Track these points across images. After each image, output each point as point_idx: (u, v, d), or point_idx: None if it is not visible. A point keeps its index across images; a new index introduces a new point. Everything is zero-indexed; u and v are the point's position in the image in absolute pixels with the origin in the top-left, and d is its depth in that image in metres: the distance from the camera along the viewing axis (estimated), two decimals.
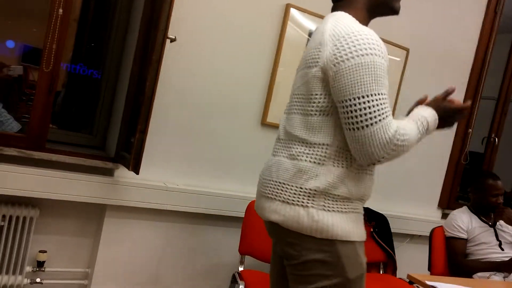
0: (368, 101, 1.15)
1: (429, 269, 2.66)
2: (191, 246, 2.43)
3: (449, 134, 3.36)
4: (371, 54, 1.16)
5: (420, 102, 1.42)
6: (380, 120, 1.15)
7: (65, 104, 2.52)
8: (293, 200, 1.25)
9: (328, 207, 1.22)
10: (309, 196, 1.23)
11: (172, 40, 2.06)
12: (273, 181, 1.31)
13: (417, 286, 2.43)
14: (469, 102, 1.39)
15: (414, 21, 3.00)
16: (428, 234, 2.74)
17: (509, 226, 2.63)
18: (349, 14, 1.29)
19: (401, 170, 3.17)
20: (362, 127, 1.15)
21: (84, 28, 2.44)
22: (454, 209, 2.85)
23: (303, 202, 1.23)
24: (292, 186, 1.26)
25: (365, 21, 1.34)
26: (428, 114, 1.31)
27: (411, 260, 3.20)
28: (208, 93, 2.37)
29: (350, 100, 1.16)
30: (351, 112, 1.16)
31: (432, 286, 1.70)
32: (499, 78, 3.63)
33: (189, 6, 2.24)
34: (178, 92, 2.29)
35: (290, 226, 1.24)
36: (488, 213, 2.70)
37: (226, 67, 2.39)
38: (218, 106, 2.40)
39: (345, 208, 1.24)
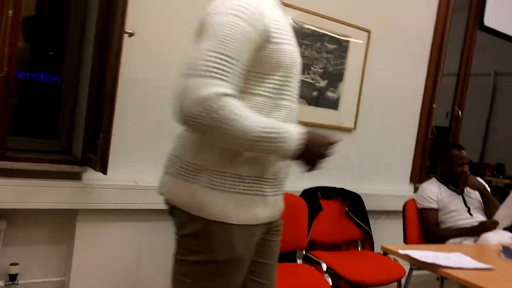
0: (202, 54, 1.05)
1: (405, 241, 2.73)
2: (170, 244, 2.41)
3: (414, 110, 3.45)
4: (231, 15, 1.08)
5: None
6: (204, 76, 1.03)
7: (26, 111, 2.45)
8: (179, 174, 1.20)
9: (212, 184, 1.16)
10: (194, 171, 1.18)
11: (131, 35, 2.03)
12: (170, 154, 1.28)
13: (394, 258, 2.49)
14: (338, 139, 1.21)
15: (375, 3, 3.05)
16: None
17: (476, 192, 2.73)
18: None
19: (372, 150, 3.23)
20: (184, 75, 1.05)
21: (38, 31, 2.37)
22: None
23: (187, 176, 1.18)
24: (181, 159, 1.21)
25: None
26: (292, 131, 1.12)
27: (388, 235, 3.27)
28: (174, 86, 2.34)
29: (194, 50, 1.09)
30: (188, 62, 1.08)
31: (404, 254, 1.74)
32: (458, 54, 3.73)
33: None
34: (143, 88, 2.26)
35: (171, 200, 1.23)
36: (455, 182, 2.78)
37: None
38: None
39: (233, 188, 1.17)
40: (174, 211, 1.26)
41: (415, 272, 3.53)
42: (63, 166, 2.10)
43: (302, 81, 2.75)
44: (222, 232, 1.17)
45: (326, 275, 2.16)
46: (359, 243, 2.77)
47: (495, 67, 5.03)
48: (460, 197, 2.74)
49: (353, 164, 3.14)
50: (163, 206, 2.29)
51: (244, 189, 1.18)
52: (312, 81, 2.80)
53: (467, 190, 2.77)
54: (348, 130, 3.08)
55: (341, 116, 3.01)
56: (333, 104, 2.95)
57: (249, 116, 1.07)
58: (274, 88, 1.19)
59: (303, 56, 2.72)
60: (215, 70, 1.04)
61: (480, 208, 2.73)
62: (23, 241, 2.13)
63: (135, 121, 2.26)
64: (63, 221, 2.20)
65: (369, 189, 3.20)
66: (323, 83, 2.86)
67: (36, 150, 2.26)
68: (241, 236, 1.19)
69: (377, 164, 3.28)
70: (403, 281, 2.54)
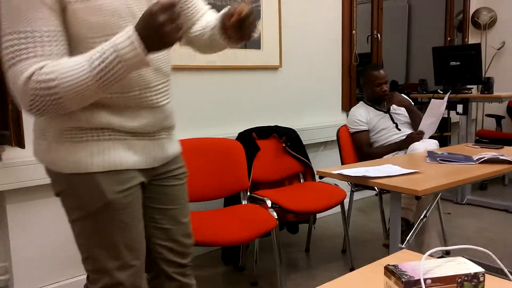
0: (4, 42, 1.00)
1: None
2: None
3: (336, 40, 3.49)
4: None
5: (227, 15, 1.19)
6: (13, 64, 0.99)
7: None
8: (35, 131, 1.18)
9: (61, 137, 1.13)
10: (45, 127, 1.15)
11: None
12: None
13: (335, 184, 2.60)
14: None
15: None
16: None
17: (401, 108, 2.86)
18: None
19: (301, 85, 3.27)
20: (6, 71, 1.02)
21: None
22: None
23: (40, 133, 1.16)
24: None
25: None
26: (118, 39, 1.00)
27: (328, 163, 3.40)
28: None
29: None
30: None
31: (337, 173, 1.81)
32: None
33: None
34: None
35: (38, 159, 1.20)
36: (381, 102, 2.90)
37: None
38: None
39: (80, 137, 1.13)
40: (46, 171, 1.22)
41: (358, 195, 3.74)
42: None
43: None
44: (83, 182, 1.14)
45: (271, 210, 2.21)
46: (301, 175, 2.85)
47: None
48: (388, 115, 2.86)
49: (284, 101, 3.17)
50: None
51: (94, 136, 1.14)
52: None
53: (393, 107, 2.90)
54: (274, 69, 3.08)
55: (266, 55, 2.99)
56: (256, 44, 2.92)
57: (63, 65, 1.00)
58: None
59: None
60: (14, 54, 0.99)
61: (408, 123, 2.87)
62: None
63: None
64: None
65: (304, 124, 3.27)
66: None
67: None
68: (108, 182, 1.15)
69: (308, 98, 3.34)
70: (347, 204, 2.67)
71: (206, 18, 1.38)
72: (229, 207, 2.41)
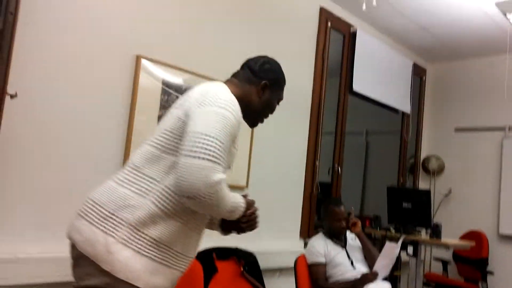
0: (209, 140, 1.23)
1: None
2: None
3: (300, 168, 3.68)
4: (225, 109, 1.31)
5: None
6: (213, 160, 1.21)
7: None
8: (98, 223, 1.24)
9: (131, 243, 1.22)
10: (114, 224, 1.23)
11: (13, 96, 1.91)
12: (91, 200, 1.31)
13: None
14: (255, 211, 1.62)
15: None
16: None
17: (357, 243, 2.96)
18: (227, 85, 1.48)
19: (263, 207, 3.27)
20: (196, 157, 1.20)
21: None
22: None
23: (106, 228, 1.23)
24: (104, 209, 1.26)
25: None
26: (242, 202, 1.46)
27: None
28: (59, 146, 2.23)
29: (195, 132, 1.24)
30: (191, 141, 1.23)
31: None
32: (334, 115, 4.13)
33: (30, 58, 2.11)
34: (24, 150, 2.11)
35: (84, 249, 1.24)
36: (339, 236, 2.99)
37: (78, 120, 2.29)
38: (72, 158, 2.27)
39: (149, 253, 1.24)
40: (82, 260, 1.24)
41: None
42: None
43: None
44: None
45: None
46: None
47: (366, 126, 5.66)
48: (344, 250, 2.94)
49: None
50: (50, 278, 2.09)
51: (161, 259, 1.26)
52: None
53: (349, 243, 2.99)
54: (240, 188, 3.16)
55: (234, 175, 3.09)
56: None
57: (229, 192, 1.32)
58: None
59: None
60: (217, 155, 1.23)
61: (362, 260, 2.95)
62: None
63: (13, 187, 2.08)
64: None
65: (262, 247, 3.25)
66: None
67: None
68: None
69: (268, 221, 3.37)
70: None
71: None
72: None
